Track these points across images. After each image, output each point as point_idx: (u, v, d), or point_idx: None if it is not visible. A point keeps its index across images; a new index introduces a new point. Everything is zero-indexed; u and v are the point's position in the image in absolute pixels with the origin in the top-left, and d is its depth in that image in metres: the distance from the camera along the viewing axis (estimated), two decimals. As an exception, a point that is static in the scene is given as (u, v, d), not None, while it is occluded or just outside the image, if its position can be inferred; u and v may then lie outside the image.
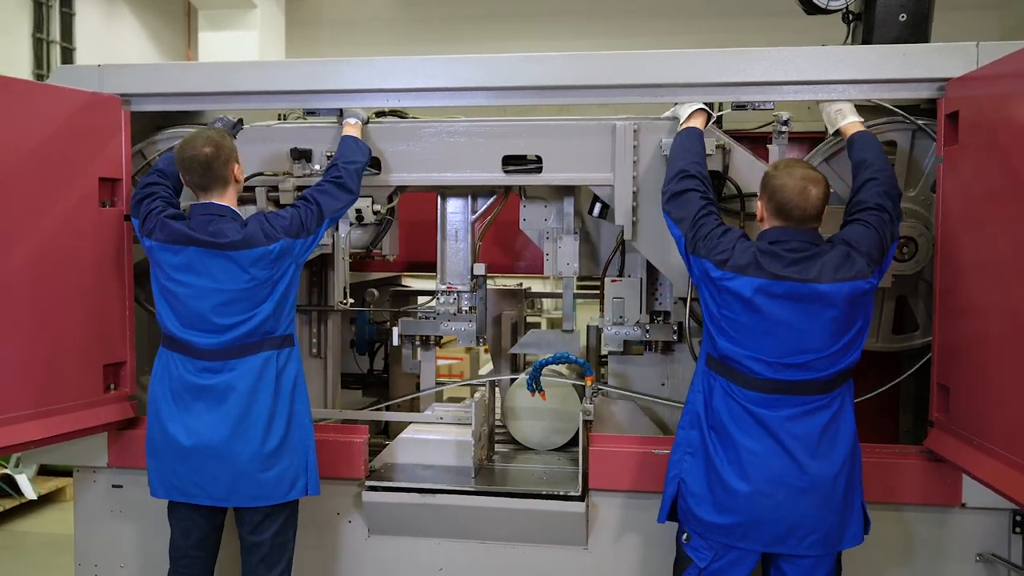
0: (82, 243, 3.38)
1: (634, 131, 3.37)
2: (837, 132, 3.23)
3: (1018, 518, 3.20)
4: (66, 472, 6.34)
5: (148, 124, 3.79)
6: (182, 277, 3.03)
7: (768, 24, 8.17)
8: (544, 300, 8.44)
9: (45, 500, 6.17)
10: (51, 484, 6.24)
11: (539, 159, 3.48)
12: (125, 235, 3.55)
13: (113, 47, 9.74)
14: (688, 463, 2.94)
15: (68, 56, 9.05)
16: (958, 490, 3.20)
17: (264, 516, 3.10)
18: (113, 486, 3.70)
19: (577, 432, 3.87)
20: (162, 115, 3.79)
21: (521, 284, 4.69)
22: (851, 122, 3.17)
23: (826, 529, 2.79)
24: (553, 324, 8.24)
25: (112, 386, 3.54)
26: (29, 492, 5.98)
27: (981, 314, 2.88)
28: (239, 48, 8.68)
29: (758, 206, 2.91)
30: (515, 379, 3.96)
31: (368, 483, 3.49)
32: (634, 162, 3.39)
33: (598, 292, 4.96)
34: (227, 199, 3.09)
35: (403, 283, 5.07)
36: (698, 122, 3.21)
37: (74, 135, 3.34)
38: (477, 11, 10.68)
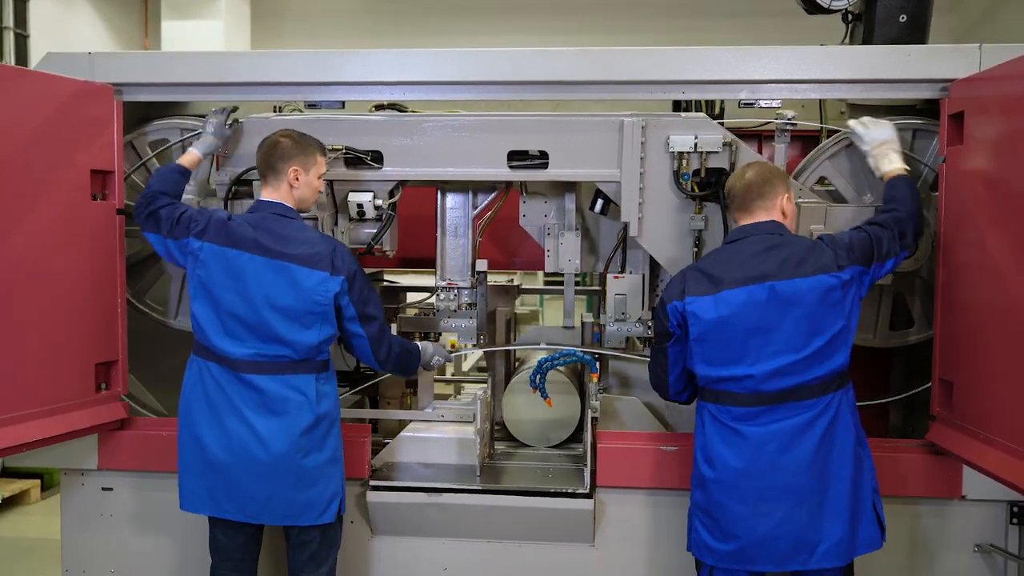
0: (73, 237, 3.26)
1: (642, 127, 3.36)
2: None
3: (1015, 509, 3.29)
4: (32, 474, 6.15)
5: (131, 115, 3.64)
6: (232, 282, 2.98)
7: (753, 24, 8.25)
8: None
9: (9, 503, 5.95)
10: (15, 487, 6.02)
11: (543, 155, 3.46)
12: (117, 229, 3.44)
13: (69, 34, 9.42)
14: (699, 520, 2.93)
15: (22, 43, 8.72)
16: (958, 482, 3.27)
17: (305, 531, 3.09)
18: (103, 489, 3.59)
19: (575, 428, 3.87)
20: (145, 106, 3.67)
21: (512, 280, 4.66)
22: (896, 168, 3.12)
23: (836, 539, 2.77)
24: (521, 320, 8.23)
25: (103, 385, 3.42)
26: (-8, 495, 5.78)
27: (985, 310, 2.94)
28: (204, 38, 8.47)
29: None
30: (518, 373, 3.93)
31: (372, 483, 3.43)
32: (641, 158, 3.38)
33: (585, 289, 5.05)
34: (279, 196, 3.05)
35: (389, 280, 4.98)
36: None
37: (65, 125, 3.23)
38: (443, 5, 10.59)
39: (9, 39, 8.72)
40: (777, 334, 2.77)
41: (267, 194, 3.08)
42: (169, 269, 3.81)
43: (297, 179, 3.06)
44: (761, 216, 2.94)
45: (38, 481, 6.17)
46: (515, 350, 4.29)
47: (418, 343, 3.40)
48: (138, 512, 3.58)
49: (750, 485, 2.79)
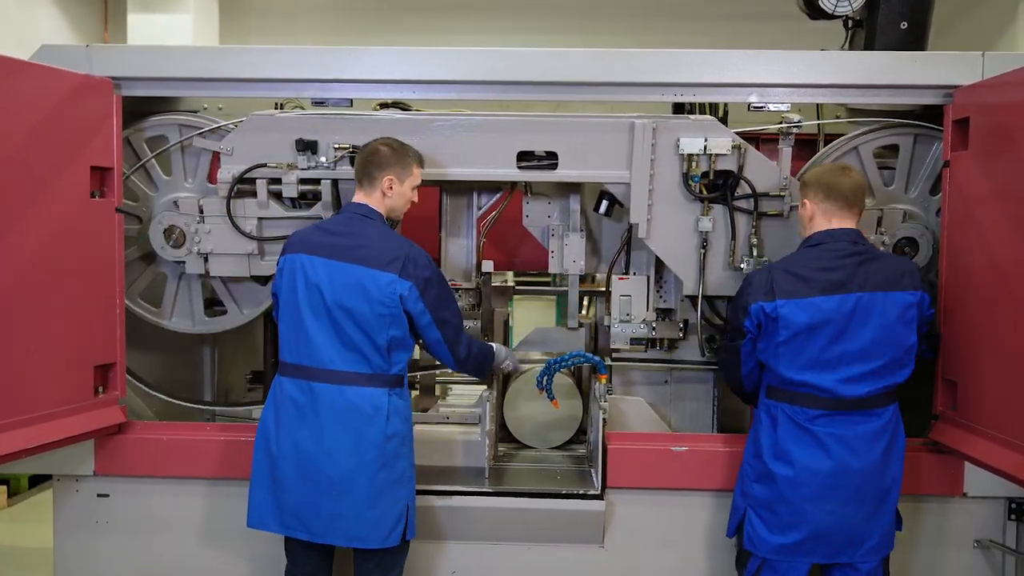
0: (72, 235, 3.16)
1: (652, 130, 3.37)
2: None
3: (1013, 505, 3.38)
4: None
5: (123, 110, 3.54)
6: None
7: (751, 28, 8.31)
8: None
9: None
10: (-15, 492, 5.83)
11: (550, 155, 3.45)
12: (116, 227, 3.34)
13: (25, 27, 9.14)
14: (757, 514, 3.00)
15: (-21, 34, 8.45)
16: (960, 480, 3.34)
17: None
18: (99, 495, 3.47)
19: (576, 429, 3.87)
20: (135, 101, 3.55)
21: (506, 281, 4.64)
22: None
23: (881, 535, 2.96)
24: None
25: (101, 388, 3.32)
26: (-43, 502, 5.57)
27: (990, 311, 3.01)
28: (172, 32, 8.26)
29: (803, 208, 3.06)
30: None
31: (381, 486, 3.38)
32: (651, 160, 3.40)
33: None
34: (372, 202, 3.08)
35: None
36: None
37: (64, 120, 3.13)
38: (411, 4, 10.51)
39: (-36, 30, 8.43)
40: (859, 343, 2.88)
41: (359, 198, 3.09)
42: (165, 269, 3.71)
43: (391, 188, 3.07)
44: (851, 222, 2.98)
45: (4, 488, 5.96)
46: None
47: (493, 344, 3.38)
48: (136, 519, 3.48)
49: (821, 484, 2.90)
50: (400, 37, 10.10)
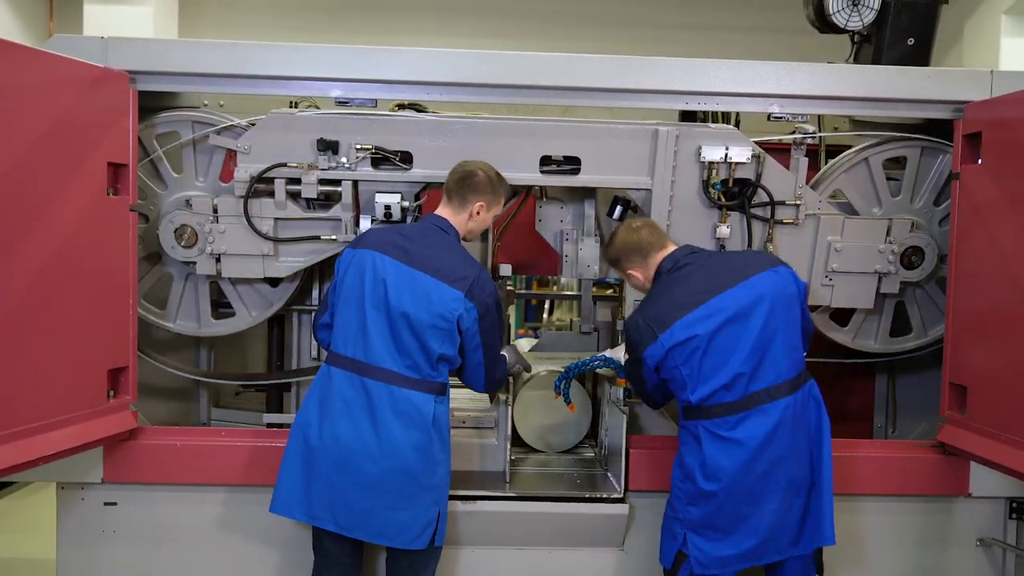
0: (88, 234, 3.05)
1: (676, 137, 3.42)
2: None
3: (1014, 504, 3.52)
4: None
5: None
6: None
7: (754, 40, 8.43)
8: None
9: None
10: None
11: (568, 160, 3.47)
12: (131, 226, 3.23)
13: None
14: (699, 537, 2.93)
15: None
16: (966, 480, 3.47)
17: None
18: (106, 504, 3.35)
19: (587, 433, 3.89)
20: (143, 96, 3.44)
21: (510, 284, 4.64)
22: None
23: (826, 522, 2.93)
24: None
25: (112, 393, 3.20)
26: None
27: (1000, 317, 3.15)
28: (130, 24, 8.00)
29: (636, 277, 3.16)
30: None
31: (402, 491, 3.34)
32: (673, 167, 3.44)
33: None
34: (455, 220, 3.11)
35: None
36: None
37: (83, 114, 3.01)
38: (373, 2, 10.41)
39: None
40: (750, 335, 2.88)
41: (443, 212, 3.13)
42: (171, 269, 3.60)
43: (479, 213, 3.12)
44: (671, 246, 3.11)
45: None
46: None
47: (504, 353, 3.35)
48: (145, 528, 3.36)
49: (754, 487, 2.88)
50: (361, 36, 9.96)
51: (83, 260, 3.02)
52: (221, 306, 3.73)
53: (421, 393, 2.92)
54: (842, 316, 3.79)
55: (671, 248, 3.10)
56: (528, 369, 3.53)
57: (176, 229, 3.45)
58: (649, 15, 9.64)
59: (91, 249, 3.06)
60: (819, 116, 3.89)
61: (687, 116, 3.82)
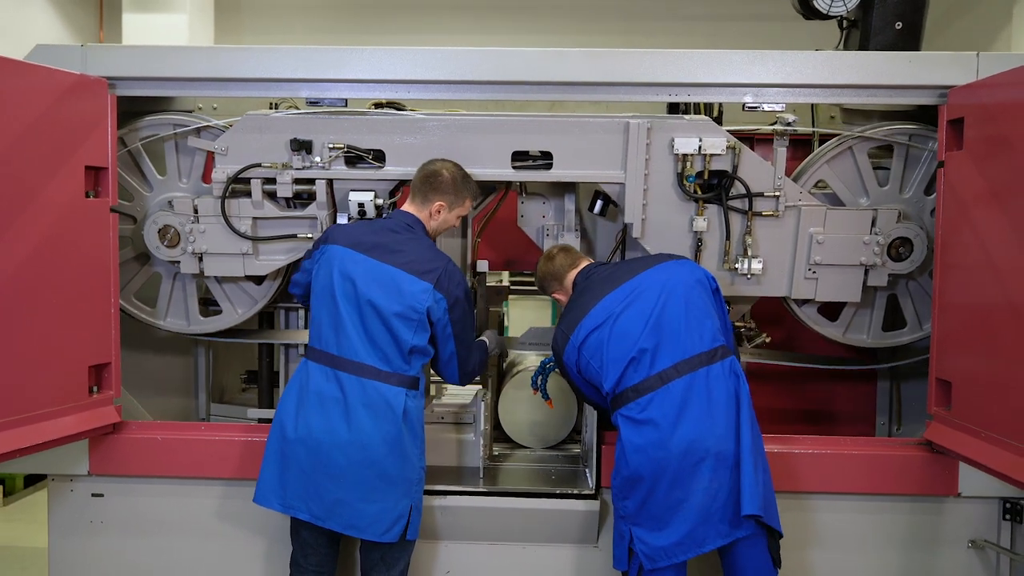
0: (67, 235, 3.16)
1: (647, 129, 3.37)
2: None
3: (1007, 505, 3.38)
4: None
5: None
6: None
7: (747, 29, 8.32)
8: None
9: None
10: (-22, 492, 5.83)
11: (544, 155, 3.45)
12: (111, 227, 3.33)
13: (20, 27, 9.12)
14: (639, 529, 2.91)
15: (-27, 34, 8.42)
16: (955, 480, 3.35)
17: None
18: (93, 495, 3.47)
19: (572, 429, 3.87)
20: (130, 101, 3.54)
21: (501, 280, 4.65)
22: None
23: (760, 494, 2.81)
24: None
25: (96, 388, 3.31)
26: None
27: (984, 311, 3.02)
28: (167, 31, 8.26)
29: (560, 299, 3.31)
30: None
31: (375, 486, 3.38)
32: (646, 160, 3.40)
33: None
34: (420, 215, 3.18)
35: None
36: None
37: (60, 120, 3.12)
38: (406, 2, 10.52)
39: (-40, 30, 8.42)
40: (651, 316, 2.95)
41: (409, 208, 3.20)
42: (160, 269, 3.71)
43: (439, 213, 3.18)
44: (584, 263, 3.27)
45: (0, 487, 5.96)
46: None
47: (483, 338, 3.42)
48: (130, 519, 3.48)
49: (677, 467, 2.83)
50: (395, 36, 10.09)
51: (63, 260, 3.13)
52: (210, 303, 3.83)
53: (392, 386, 2.98)
54: (833, 312, 3.70)
55: (583, 264, 3.26)
56: (506, 354, 3.55)
57: (160, 229, 3.56)
58: (631, 6, 9.56)
59: (71, 250, 3.17)
60: (812, 106, 3.81)
61: (675, 109, 3.79)
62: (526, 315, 8.38)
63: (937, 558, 3.43)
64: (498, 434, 3.95)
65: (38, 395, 3.07)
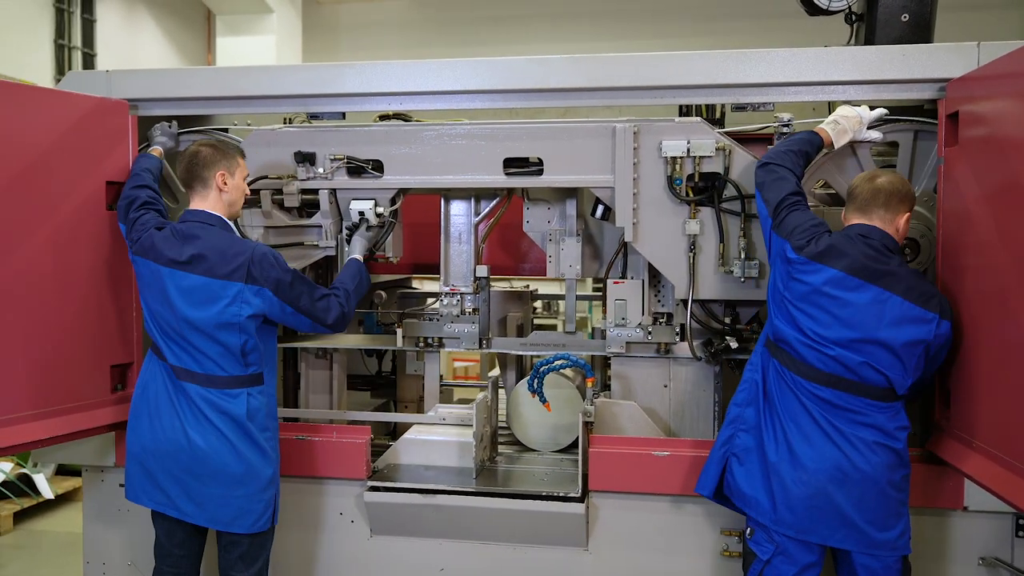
0: (89, 244, 3.43)
1: (634, 133, 3.37)
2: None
3: (1021, 522, 3.17)
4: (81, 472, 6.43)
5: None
6: None
7: (765, 26, 8.13)
8: (560, 302, 8.45)
9: (62, 499, 6.26)
10: (68, 484, 6.33)
11: (540, 161, 3.50)
12: (132, 237, 3.61)
13: (133, 52, 9.86)
14: (741, 440, 3.02)
15: (89, 61, 9.19)
16: (960, 493, 3.17)
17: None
18: (120, 485, 3.74)
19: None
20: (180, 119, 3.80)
21: (528, 286, 4.70)
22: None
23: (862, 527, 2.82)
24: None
25: (120, 387, 3.59)
26: (46, 491, 6.06)
27: (981, 316, 2.85)
28: (257, 53, 8.78)
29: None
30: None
31: (370, 483, 3.51)
32: (634, 164, 3.39)
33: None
34: (209, 204, 3.12)
35: (412, 285, 5.09)
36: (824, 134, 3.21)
37: (82, 139, 3.40)
38: (490, 13, 10.74)
39: (77, 58, 9.20)
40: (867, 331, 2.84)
41: (196, 204, 3.14)
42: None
43: (225, 183, 3.11)
44: (877, 223, 2.92)
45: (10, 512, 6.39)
46: (529, 356, 4.33)
47: (355, 257, 3.42)
48: (153, 508, 3.74)
49: (805, 454, 2.90)
50: (477, 48, 10.33)
51: (87, 268, 3.42)
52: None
53: (231, 390, 3.03)
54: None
55: (857, 221, 2.96)
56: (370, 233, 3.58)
57: (182, 239, 3.81)
58: (632, 9, 9.37)
59: (94, 258, 3.45)
60: (828, 103, 3.69)
61: (688, 112, 3.76)
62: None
63: (945, 575, 3.26)
64: (512, 437, 4.02)
65: (68, 391, 3.35)
